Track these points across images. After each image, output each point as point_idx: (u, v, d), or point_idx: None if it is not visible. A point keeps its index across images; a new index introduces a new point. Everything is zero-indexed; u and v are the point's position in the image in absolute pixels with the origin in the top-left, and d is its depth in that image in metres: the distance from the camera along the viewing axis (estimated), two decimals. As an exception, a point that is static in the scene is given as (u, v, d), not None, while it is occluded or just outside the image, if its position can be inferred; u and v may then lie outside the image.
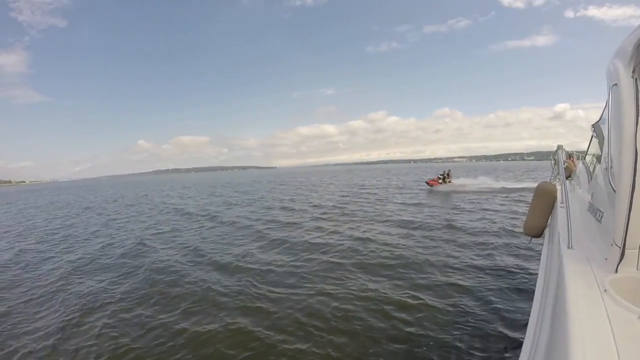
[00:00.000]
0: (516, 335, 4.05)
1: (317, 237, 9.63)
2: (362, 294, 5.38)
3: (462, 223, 10.53)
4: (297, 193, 26.73)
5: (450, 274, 6.14)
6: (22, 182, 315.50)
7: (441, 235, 9.11)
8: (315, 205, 17.10)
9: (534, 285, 1.92)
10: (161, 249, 9.16)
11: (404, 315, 4.63)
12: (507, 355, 3.73)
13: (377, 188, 27.24)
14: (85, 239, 11.34)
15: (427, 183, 23.98)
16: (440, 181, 23.02)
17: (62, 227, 14.51)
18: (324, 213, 14.23)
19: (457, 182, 24.03)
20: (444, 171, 24.06)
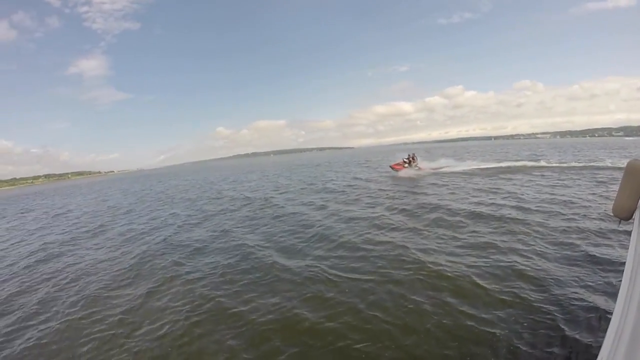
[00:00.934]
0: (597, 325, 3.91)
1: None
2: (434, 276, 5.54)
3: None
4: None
5: (530, 260, 5.92)
6: (111, 171, 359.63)
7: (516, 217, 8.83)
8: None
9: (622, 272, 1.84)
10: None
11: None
12: (587, 343, 3.63)
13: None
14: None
15: (392, 167, 23.71)
16: (406, 165, 22.97)
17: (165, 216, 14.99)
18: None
19: (424, 165, 24.10)
20: (409, 155, 23.73)
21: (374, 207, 12.11)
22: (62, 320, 5.59)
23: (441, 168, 23.79)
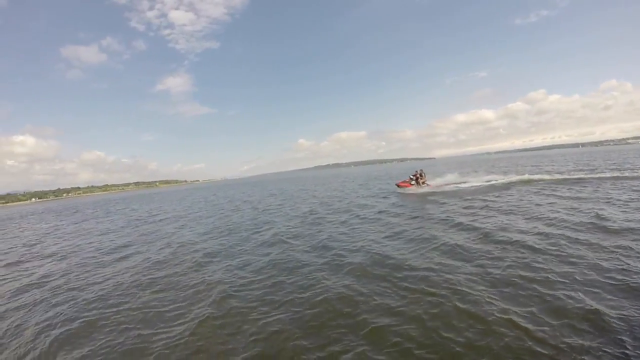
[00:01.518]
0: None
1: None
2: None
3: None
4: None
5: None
6: (196, 180, 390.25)
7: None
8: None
9: None
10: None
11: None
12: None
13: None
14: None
15: (398, 185, 23.67)
16: (413, 183, 22.80)
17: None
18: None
19: (433, 182, 23.78)
20: (417, 171, 23.47)
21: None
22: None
23: (449, 184, 23.22)
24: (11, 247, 16.90)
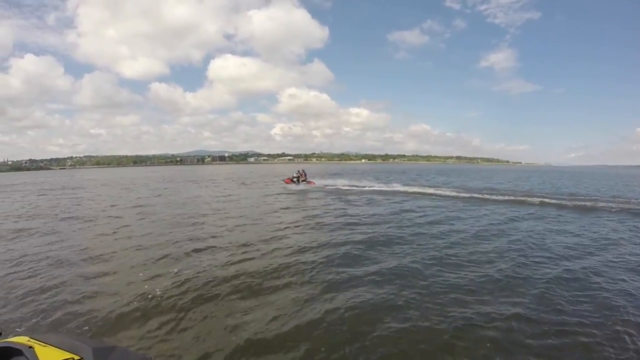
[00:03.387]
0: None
1: None
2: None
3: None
4: None
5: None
6: (519, 162, 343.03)
7: None
8: None
9: None
10: None
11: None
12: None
13: None
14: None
15: (284, 181, 27.51)
16: (295, 180, 26.38)
17: None
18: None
19: (317, 182, 27.05)
20: (298, 171, 26.96)
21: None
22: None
23: (329, 185, 26.65)
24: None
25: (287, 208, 15.92)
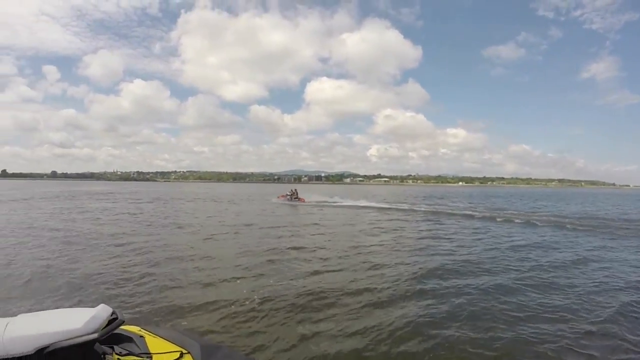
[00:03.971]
0: None
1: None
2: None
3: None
4: None
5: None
6: (626, 185, 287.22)
7: None
8: None
9: None
10: None
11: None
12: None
13: None
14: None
15: (278, 197, 30.14)
16: (288, 197, 28.82)
17: None
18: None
19: (308, 199, 28.96)
20: (291, 190, 29.92)
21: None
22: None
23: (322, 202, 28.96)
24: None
25: (379, 228, 14.71)
